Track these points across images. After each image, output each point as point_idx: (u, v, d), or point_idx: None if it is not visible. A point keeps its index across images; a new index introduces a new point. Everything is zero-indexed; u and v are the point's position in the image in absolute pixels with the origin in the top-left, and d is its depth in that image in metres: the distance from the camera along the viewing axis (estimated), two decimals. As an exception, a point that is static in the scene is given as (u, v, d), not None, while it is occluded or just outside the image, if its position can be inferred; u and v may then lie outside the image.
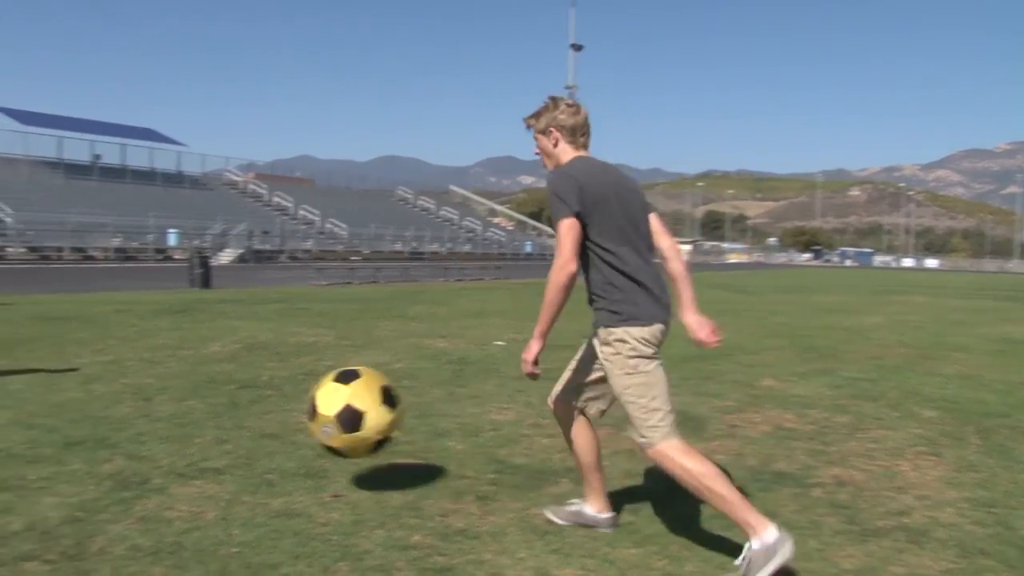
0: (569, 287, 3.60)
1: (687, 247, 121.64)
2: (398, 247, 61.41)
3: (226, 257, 45.06)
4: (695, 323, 3.84)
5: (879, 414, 6.81)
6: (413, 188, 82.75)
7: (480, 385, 7.82)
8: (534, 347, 3.74)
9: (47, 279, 25.24)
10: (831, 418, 6.61)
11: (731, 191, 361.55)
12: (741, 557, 3.41)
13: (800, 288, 31.44)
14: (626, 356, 3.63)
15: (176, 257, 43.67)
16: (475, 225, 75.90)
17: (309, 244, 55.87)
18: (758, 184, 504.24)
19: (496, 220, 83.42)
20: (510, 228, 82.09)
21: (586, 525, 3.99)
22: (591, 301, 3.77)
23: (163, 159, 63.09)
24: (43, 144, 55.96)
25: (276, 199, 63.96)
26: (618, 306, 3.66)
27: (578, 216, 3.61)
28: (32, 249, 41.91)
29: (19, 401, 6.59)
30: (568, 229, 3.59)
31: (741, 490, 3.78)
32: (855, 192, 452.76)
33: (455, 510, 4.21)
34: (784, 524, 4.04)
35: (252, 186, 66.68)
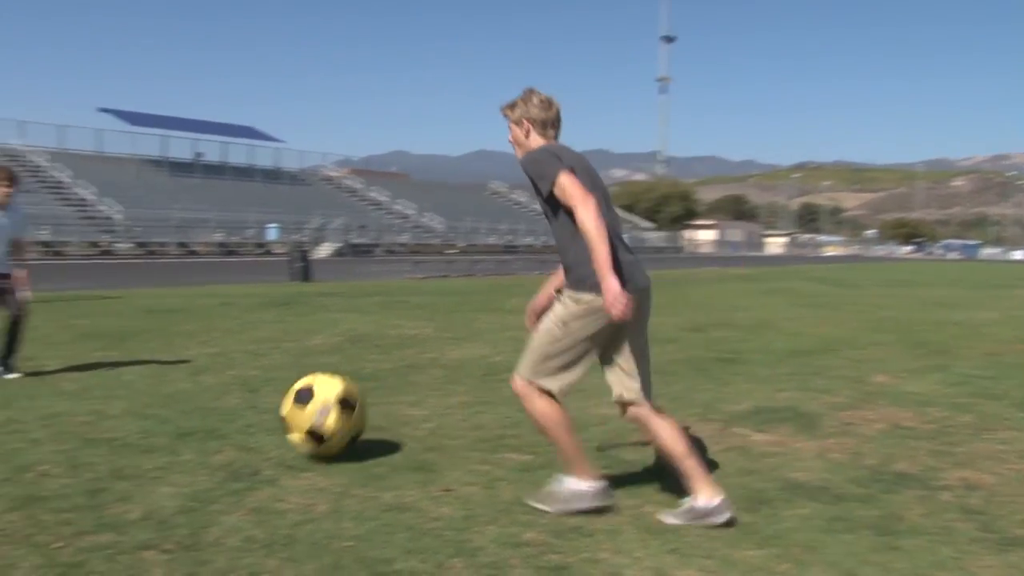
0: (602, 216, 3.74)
1: (782, 239, 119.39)
2: (492, 240, 61.65)
3: (324, 251, 45.83)
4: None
5: (1005, 414, 6.47)
6: (506, 182, 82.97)
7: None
8: (613, 283, 3.63)
9: (153, 273, 26.01)
10: (952, 417, 6.31)
11: (827, 182, 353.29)
12: (553, 484, 4.08)
13: (904, 281, 30.48)
14: (571, 312, 3.87)
15: (276, 251, 44.56)
16: (568, 218, 75.59)
17: (405, 238, 56.51)
18: (855, 175, 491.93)
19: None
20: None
21: (703, 517, 3.85)
22: (567, 270, 3.97)
23: (262, 156, 64.60)
24: (149, 143, 57.89)
25: (372, 194, 64.82)
26: (591, 273, 3.74)
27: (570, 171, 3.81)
28: (139, 244, 43.27)
29: (133, 392, 6.74)
30: (569, 179, 3.79)
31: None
32: (959, 182, 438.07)
33: (567, 507, 4.12)
34: (912, 529, 3.86)
35: (348, 181, 67.70)
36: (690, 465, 3.93)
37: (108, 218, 44.64)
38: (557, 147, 3.99)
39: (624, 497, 4.25)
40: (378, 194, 64.75)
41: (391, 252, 51.25)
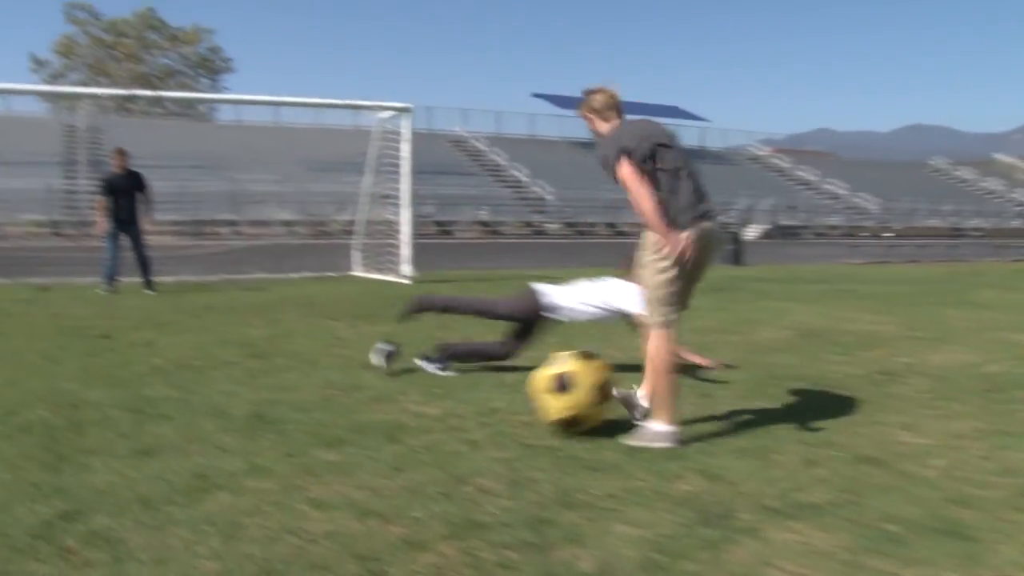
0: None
1: None
2: (934, 222, 56.35)
3: (752, 233, 44.35)
4: None
5: None
6: (948, 158, 75.66)
7: None
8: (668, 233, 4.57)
9: (582, 252, 26.32)
10: None
11: None
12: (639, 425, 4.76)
13: None
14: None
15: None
16: (1026, 198, 67.35)
17: (836, 219, 53.44)
18: None
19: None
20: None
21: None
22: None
23: (687, 135, 64.08)
24: (578, 126, 59.67)
25: (800, 173, 62.12)
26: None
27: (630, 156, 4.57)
28: (568, 224, 44.63)
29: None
30: (627, 169, 4.58)
31: None
32: None
33: None
34: None
35: (775, 160, 65.44)
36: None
37: (540, 199, 46.55)
38: (621, 129, 4.77)
39: None
40: (807, 173, 61.85)
41: (820, 234, 48.60)
